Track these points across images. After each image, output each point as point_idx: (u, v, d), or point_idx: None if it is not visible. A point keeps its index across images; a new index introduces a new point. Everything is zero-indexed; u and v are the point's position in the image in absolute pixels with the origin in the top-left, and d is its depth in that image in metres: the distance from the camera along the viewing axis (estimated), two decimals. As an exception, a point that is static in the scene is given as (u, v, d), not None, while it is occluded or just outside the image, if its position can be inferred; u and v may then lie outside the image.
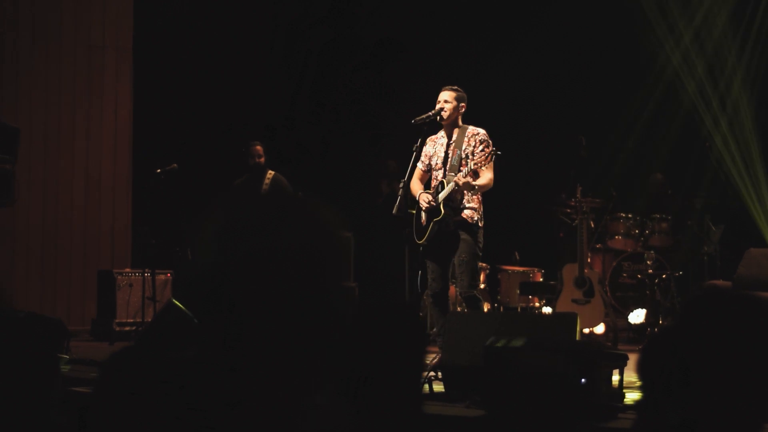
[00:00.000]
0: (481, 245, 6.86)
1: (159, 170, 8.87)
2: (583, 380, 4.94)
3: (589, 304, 9.29)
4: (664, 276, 9.74)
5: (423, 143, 7.02)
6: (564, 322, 6.09)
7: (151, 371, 1.63)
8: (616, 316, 9.65)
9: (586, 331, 9.25)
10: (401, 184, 6.84)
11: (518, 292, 9.99)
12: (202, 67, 11.07)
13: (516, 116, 11.24)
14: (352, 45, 11.95)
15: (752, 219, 10.32)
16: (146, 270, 9.11)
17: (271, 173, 9.20)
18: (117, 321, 9.48)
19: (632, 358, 5.37)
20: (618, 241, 10.27)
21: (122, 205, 10.66)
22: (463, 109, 7.00)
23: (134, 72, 10.77)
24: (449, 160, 6.91)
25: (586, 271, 9.38)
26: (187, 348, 1.65)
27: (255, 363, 1.57)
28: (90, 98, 10.55)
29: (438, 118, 6.92)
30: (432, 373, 5.95)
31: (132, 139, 10.75)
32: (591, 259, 9.92)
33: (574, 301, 9.31)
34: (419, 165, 7.11)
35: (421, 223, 6.95)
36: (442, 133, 7.08)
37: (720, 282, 8.93)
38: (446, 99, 6.93)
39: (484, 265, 9.33)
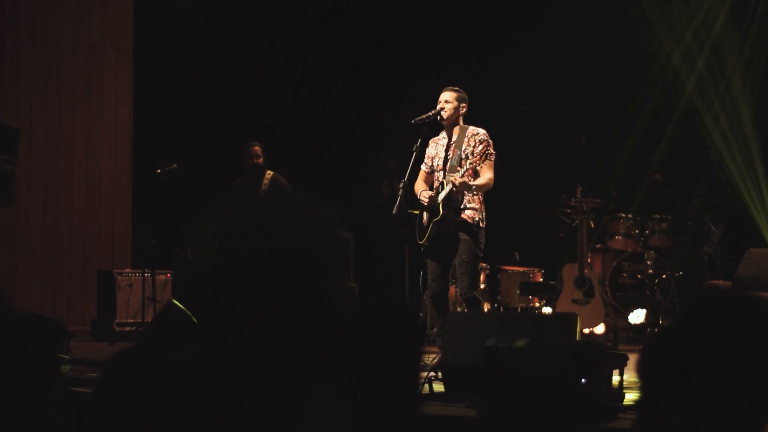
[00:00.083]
0: (482, 246, 6.85)
1: (159, 170, 8.87)
2: (583, 380, 4.94)
3: (589, 304, 9.29)
4: (664, 276, 9.74)
5: (423, 144, 7.02)
6: (564, 322, 6.09)
7: (151, 372, 1.63)
8: (616, 316, 9.65)
9: (586, 331, 9.26)
10: (401, 185, 6.85)
11: (518, 292, 9.98)
12: (202, 67, 11.06)
13: (516, 116, 11.24)
14: (352, 45, 11.95)
15: (752, 219, 10.32)
16: (146, 270, 9.11)
17: (270, 173, 9.19)
18: (117, 321, 9.47)
19: (632, 359, 5.36)
20: (618, 241, 10.27)
21: (122, 205, 10.66)
22: (464, 110, 7.00)
23: (134, 72, 10.77)
24: (449, 160, 6.91)
25: (586, 271, 9.38)
26: (187, 348, 1.65)
27: (255, 363, 1.58)
28: (90, 98, 10.55)
29: (438, 118, 6.93)
30: (432, 374, 5.95)
31: (132, 139, 10.74)
32: (591, 259, 9.92)
33: (574, 301, 9.31)
34: (423, 167, 7.12)
35: (422, 223, 6.95)
36: (443, 134, 7.09)
37: (720, 282, 8.93)
38: (447, 99, 6.94)
39: (484, 265, 9.32)
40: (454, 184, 6.67)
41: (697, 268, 9.74)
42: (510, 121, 10.52)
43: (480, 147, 6.81)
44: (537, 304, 10.06)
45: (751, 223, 10.28)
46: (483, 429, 2.09)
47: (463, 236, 6.78)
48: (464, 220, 6.80)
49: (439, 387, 5.88)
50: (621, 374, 5.36)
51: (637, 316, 9.90)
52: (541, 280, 10.26)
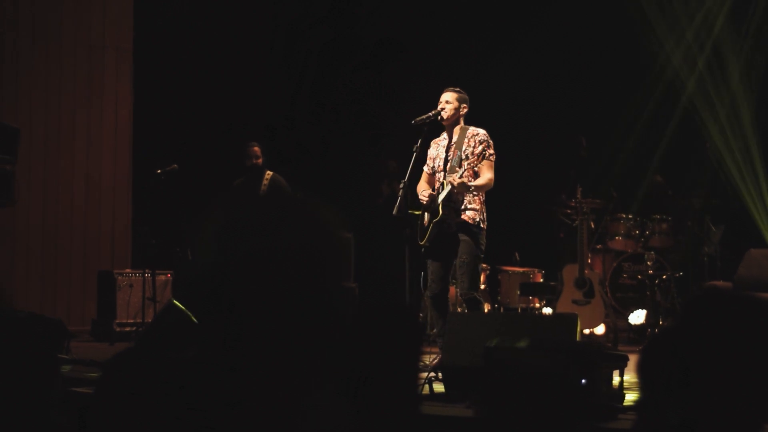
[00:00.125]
0: (483, 247, 6.84)
1: (159, 170, 8.87)
2: (583, 381, 4.94)
3: (589, 304, 9.29)
4: (664, 277, 9.74)
5: (423, 144, 7.02)
6: (564, 322, 6.09)
7: (151, 372, 1.63)
8: (616, 316, 9.64)
9: (587, 331, 9.25)
10: (401, 185, 6.85)
11: (518, 292, 9.98)
12: (202, 67, 11.06)
13: (516, 116, 11.24)
14: (352, 45, 11.95)
15: (752, 219, 10.31)
16: (146, 270, 9.11)
17: (269, 174, 9.19)
18: (117, 321, 9.47)
19: (632, 359, 5.36)
20: (618, 242, 10.27)
21: (122, 205, 10.66)
22: (465, 111, 6.99)
23: (134, 72, 10.77)
24: (450, 161, 6.91)
25: (586, 271, 9.38)
26: (187, 348, 1.65)
27: (255, 363, 1.57)
28: (90, 98, 10.55)
29: (438, 118, 6.93)
30: (432, 374, 5.94)
31: (132, 139, 10.74)
32: (591, 260, 9.92)
33: (575, 301, 9.31)
34: (425, 168, 7.13)
35: (423, 224, 6.95)
36: (444, 134, 7.09)
37: (720, 283, 8.93)
38: (447, 100, 6.94)
39: (484, 265, 9.31)
40: (453, 185, 6.67)
41: (698, 269, 9.74)
42: (510, 121, 10.51)
43: (479, 147, 6.81)
44: (537, 305, 10.06)
45: (751, 224, 10.28)
46: (483, 429, 2.09)
47: (463, 237, 6.77)
48: (465, 221, 6.80)
49: (439, 387, 5.87)
50: (621, 375, 5.36)
51: (638, 317, 9.90)
52: (541, 280, 10.26)
